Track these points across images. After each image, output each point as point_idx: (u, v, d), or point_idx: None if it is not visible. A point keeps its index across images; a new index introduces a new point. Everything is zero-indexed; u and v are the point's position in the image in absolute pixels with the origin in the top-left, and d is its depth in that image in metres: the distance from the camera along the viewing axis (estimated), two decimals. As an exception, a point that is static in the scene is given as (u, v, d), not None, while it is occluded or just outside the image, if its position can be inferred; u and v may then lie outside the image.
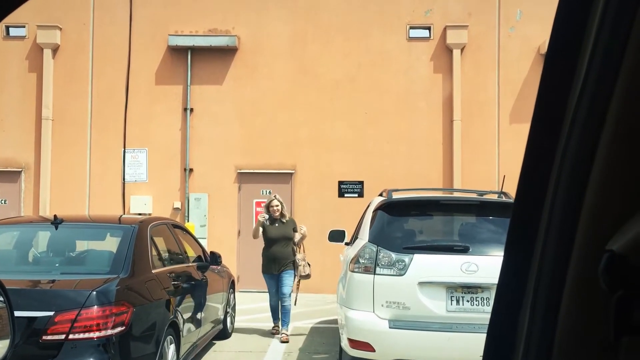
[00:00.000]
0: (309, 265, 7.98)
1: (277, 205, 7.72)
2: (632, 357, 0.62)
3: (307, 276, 7.99)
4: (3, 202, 12.82)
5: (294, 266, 7.79)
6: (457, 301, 5.04)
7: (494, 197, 6.47)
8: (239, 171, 12.67)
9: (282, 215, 7.76)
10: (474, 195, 6.75)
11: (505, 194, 6.17)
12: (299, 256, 7.84)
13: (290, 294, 7.78)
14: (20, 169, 12.83)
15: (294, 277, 7.84)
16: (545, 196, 0.75)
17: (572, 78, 0.72)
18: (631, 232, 0.63)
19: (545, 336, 0.73)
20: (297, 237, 7.86)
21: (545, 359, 0.73)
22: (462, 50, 12.54)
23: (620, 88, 0.66)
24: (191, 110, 12.76)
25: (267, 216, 7.69)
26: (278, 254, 7.68)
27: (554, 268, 0.72)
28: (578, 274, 0.69)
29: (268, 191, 12.56)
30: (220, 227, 12.54)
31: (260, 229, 7.79)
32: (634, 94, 0.66)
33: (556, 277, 0.72)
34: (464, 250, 5.18)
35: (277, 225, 7.75)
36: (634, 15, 0.65)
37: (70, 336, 4.04)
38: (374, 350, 5.06)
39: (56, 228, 5.15)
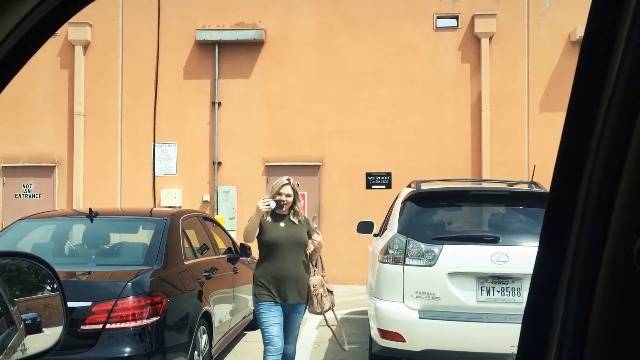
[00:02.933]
0: (330, 292, 4.74)
1: (288, 195, 4.67)
2: None
3: (329, 310, 4.73)
4: (38, 196, 13.13)
5: (308, 296, 4.63)
6: (488, 291, 5.03)
7: (524, 187, 6.41)
8: (266, 164, 12.75)
9: (293, 211, 4.72)
10: (503, 186, 6.69)
11: (535, 184, 6.10)
12: (314, 280, 4.63)
13: (296, 342, 4.80)
14: (54, 164, 13.13)
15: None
16: (581, 184, 0.76)
17: (607, 67, 0.73)
18: None
19: (580, 322, 0.74)
20: (310, 247, 4.72)
21: (580, 345, 0.74)
22: (490, 39, 12.38)
23: None
24: (219, 104, 12.88)
25: (274, 204, 4.53)
26: (289, 271, 4.55)
27: (589, 254, 0.74)
28: (613, 259, 0.71)
29: (296, 183, 12.61)
30: (249, 220, 12.62)
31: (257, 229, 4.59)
32: None
33: (591, 263, 0.73)
34: (494, 241, 5.16)
35: (282, 224, 4.64)
36: None
37: (107, 326, 4.15)
38: (404, 340, 5.09)
39: (91, 221, 5.27)
